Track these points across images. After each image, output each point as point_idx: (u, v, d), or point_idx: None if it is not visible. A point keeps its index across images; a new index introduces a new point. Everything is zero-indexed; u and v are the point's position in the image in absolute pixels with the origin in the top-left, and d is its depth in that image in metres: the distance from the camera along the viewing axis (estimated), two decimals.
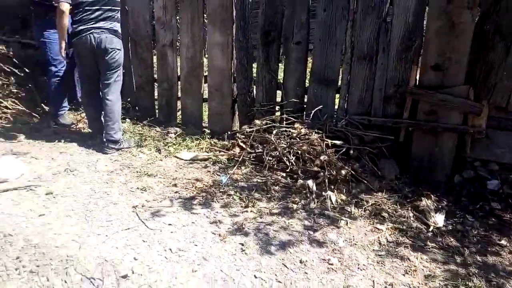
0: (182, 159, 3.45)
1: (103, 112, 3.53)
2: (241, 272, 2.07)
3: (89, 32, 3.28)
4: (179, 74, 4.15)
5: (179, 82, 4.19)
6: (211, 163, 3.39)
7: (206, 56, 4.04)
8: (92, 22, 3.29)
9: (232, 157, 3.42)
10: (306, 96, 3.59)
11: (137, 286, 1.95)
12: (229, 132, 3.81)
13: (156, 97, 4.41)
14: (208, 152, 3.56)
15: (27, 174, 3.04)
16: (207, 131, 3.79)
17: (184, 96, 4.16)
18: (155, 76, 4.33)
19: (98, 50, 3.33)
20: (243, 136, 3.51)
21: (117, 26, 3.42)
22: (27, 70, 4.68)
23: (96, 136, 3.72)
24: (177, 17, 4.03)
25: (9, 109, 4.09)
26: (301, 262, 2.17)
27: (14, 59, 4.67)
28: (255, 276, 2.05)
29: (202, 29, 3.88)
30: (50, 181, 2.96)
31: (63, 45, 3.37)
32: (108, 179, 3.04)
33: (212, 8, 3.74)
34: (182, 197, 2.81)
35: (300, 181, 2.96)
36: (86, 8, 3.27)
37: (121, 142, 3.55)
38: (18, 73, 4.57)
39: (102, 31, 3.32)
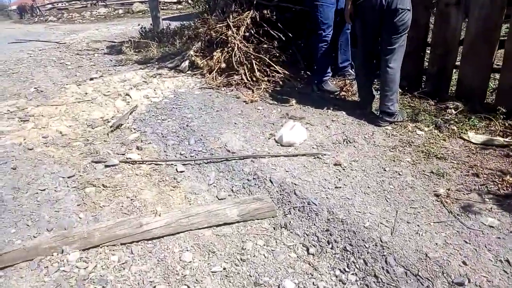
0: (471, 142, 2.90)
1: (378, 80, 3.26)
2: None
3: None
4: (462, 38, 3.49)
5: (459, 48, 3.55)
6: None
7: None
8: None
9: None
10: None
11: None
12: None
13: (425, 65, 3.89)
14: (504, 137, 2.90)
15: (308, 140, 3.08)
16: (502, 109, 3.09)
17: (465, 65, 3.50)
18: (429, 40, 3.79)
19: (387, 10, 3.01)
20: None
21: None
22: (290, 34, 4.87)
23: (365, 105, 3.52)
24: None
25: (278, 73, 4.30)
26: None
27: (279, 24, 4.92)
28: None
29: None
30: (333, 150, 2.92)
31: (349, 7, 3.19)
32: (393, 156, 2.78)
33: None
34: (492, 192, 2.32)
35: None
36: None
37: (396, 115, 3.25)
38: (281, 37, 4.79)
39: None
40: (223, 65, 4.56)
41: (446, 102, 3.44)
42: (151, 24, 8.23)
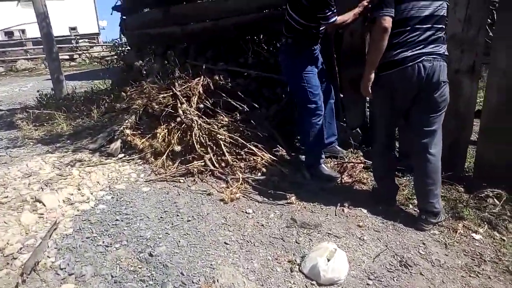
0: None
1: (419, 171, 2.50)
2: None
3: (418, 60, 2.29)
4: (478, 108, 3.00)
5: (475, 121, 3.04)
6: None
7: None
8: (421, 46, 2.30)
9: None
10: None
11: None
12: None
13: None
14: None
15: (352, 268, 2.10)
16: None
17: (486, 141, 2.98)
18: None
19: (427, 84, 2.32)
20: None
21: (446, 50, 2.39)
22: (256, 104, 3.99)
23: (389, 200, 2.72)
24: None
25: (255, 154, 3.32)
26: None
27: (239, 93, 4.03)
28: None
29: None
30: (397, 285, 1.98)
31: (371, 77, 2.43)
32: (480, 286, 1.95)
33: None
34: None
35: None
36: (416, 26, 2.29)
37: (440, 214, 2.49)
38: (245, 108, 3.88)
39: (435, 57, 2.31)
40: (177, 147, 3.42)
41: (482, 190, 2.81)
42: (52, 89, 6.66)
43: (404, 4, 2.27)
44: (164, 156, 3.48)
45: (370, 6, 2.92)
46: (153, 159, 3.58)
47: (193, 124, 3.41)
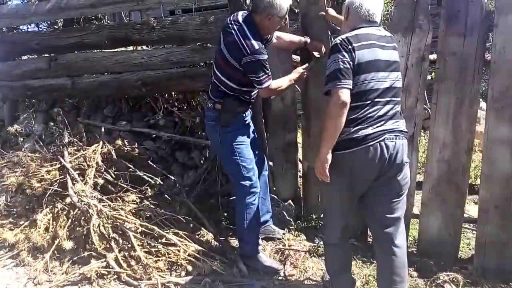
0: None
1: (384, 266, 2.11)
2: None
3: (381, 138, 1.95)
4: (419, 180, 2.82)
5: (415, 193, 2.85)
6: None
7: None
8: (382, 122, 1.99)
9: None
10: None
11: None
12: None
13: None
14: None
15: None
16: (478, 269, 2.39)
17: (428, 213, 2.79)
18: None
19: (390, 166, 1.99)
20: None
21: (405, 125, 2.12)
22: (168, 175, 3.33)
23: None
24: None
25: (175, 245, 2.62)
26: None
27: (150, 161, 3.34)
28: None
29: (472, 119, 2.62)
30: None
31: (329, 157, 2.01)
32: None
33: (501, 90, 2.50)
34: None
35: None
36: (376, 100, 1.97)
37: None
38: (158, 181, 3.20)
39: (397, 135, 2.01)
40: (67, 243, 2.54)
41: (438, 273, 2.54)
42: None
43: (364, 74, 1.95)
44: (48, 255, 2.56)
45: (306, 73, 2.61)
46: (31, 259, 2.61)
47: (91, 211, 2.59)
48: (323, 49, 2.72)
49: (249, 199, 2.55)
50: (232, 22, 2.42)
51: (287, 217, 3.13)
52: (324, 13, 2.81)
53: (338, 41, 1.97)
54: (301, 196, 3.26)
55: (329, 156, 2.01)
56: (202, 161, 3.66)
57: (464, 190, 2.71)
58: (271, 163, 3.25)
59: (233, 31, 2.38)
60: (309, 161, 3.14)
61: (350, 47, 1.93)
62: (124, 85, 3.61)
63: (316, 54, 2.77)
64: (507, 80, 2.47)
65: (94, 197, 2.74)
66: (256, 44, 2.31)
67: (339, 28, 2.64)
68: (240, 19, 2.41)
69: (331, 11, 2.78)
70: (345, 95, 1.90)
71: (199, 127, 3.67)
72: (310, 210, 3.19)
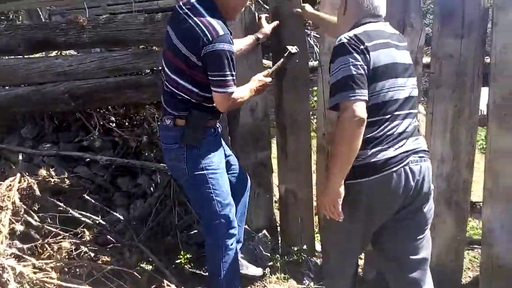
0: None
1: None
2: None
3: (405, 162, 1.53)
4: None
5: None
6: None
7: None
8: (404, 141, 1.56)
9: None
10: None
11: None
12: None
13: None
14: None
15: None
16: None
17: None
18: None
19: (415, 195, 1.58)
20: None
21: None
22: (115, 212, 2.66)
23: None
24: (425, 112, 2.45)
25: None
26: None
27: (86, 195, 2.64)
28: None
29: (473, 130, 2.33)
30: None
31: (341, 190, 1.53)
32: None
33: (503, 95, 2.23)
34: None
35: None
36: (396, 113, 1.54)
37: None
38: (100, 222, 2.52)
39: (421, 156, 1.60)
40: None
41: None
42: None
43: (381, 82, 1.52)
44: None
45: (266, 81, 2.11)
46: None
47: (6, 276, 1.85)
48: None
49: (225, 242, 2.00)
50: (183, 7, 1.83)
51: (264, 252, 2.62)
52: (300, 10, 2.35)
53: (345, 40, 1.51)
54: (278, 225, 2.77)
55: (342, 189, 1.53)
56: (152, 188, 3.03)
57: (466, 209, 2.41)
58: None
59: (185, 16, 1.79)
60: (286, 183, 2.67)
61: (362, 47, 1.49)
62: (47, 99, 2.87)
63: (290, 48, 2.27)
64: (510, 84, 2.20)
65: (11, 254, 1.99)
66: (220, 28, 1.74)
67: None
68: (193, 0, 1.83)
69: (308, 7, 2.33)
70: (361, 109, 1.45)
71: (146, 147, 3.05)
72: (290, 242, 2.71)
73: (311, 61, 2.80)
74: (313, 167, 2.64)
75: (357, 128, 1.45)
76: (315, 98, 3.16)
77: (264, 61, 2.58)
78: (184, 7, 1.82)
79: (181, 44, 1.80)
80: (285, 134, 2.60)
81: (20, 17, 4.64)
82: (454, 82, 2.28)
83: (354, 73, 1.46)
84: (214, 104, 1.91)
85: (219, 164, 2.01)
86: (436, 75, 2.31)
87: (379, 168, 1.52)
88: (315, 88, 3.07)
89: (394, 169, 1.52)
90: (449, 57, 2.27)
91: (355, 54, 1.48)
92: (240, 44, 2.23)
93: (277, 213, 2.86)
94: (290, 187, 2.65)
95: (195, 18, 1.76)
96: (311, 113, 2.91)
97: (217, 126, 2.10)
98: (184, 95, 1.89)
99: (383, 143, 1.53)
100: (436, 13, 2.28)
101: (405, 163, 1.53)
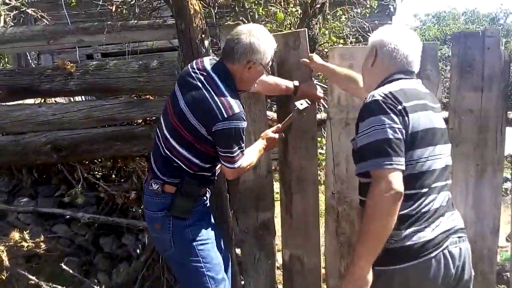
0: None
1: None
2: None
3: (444, 246, 1.29)
4: None
5: None
6: None
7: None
8: (440, 218, 1.33)
9: None
10: None
11: None
12: None
13: None
14: None
15: None
16: None
17: None
18: None
19: (454, 283, 1.33)
20: None
21: None
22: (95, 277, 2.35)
23: None
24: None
25: None
26: None
27: (64, 263, 2.33)
28: None
29: (497, 190, 2.13)
30: None
31: (369, 277, 1.27)
32: None
33: None
34: None
35: None
36: (433, 186, 1.32)
37: None
38: None
39: (460, 236, 1.36)
40: None
41: None
42: None
43: (420, 149, 1.30)
44: None
45: (275, 137, 1.92)
46: None
47: None
48: (320, 94, 2.08)
49: None
50: (197, 71, 1.69)
51: None
52: (307, 60, 2.17)
53: (380, 97, 1.31)
54: None
55: (370, 276, 1.27)
56: (138, 250, 2.73)
57: (492, 280, 2.16)
58: (238, 251, 2.46)
59: (199, 83, 1.65)
60: (290, 248, 2.39)
61: (400, 107, 1.28)
62: (27, 150, 2.62)
63: (299, 104, 2.05)
64: None
65: None
66: (236, 106, 1.62)
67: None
68: (208, 67, 1.69)
69: (317, 58, 2.16)
70: (398, 181, 1.23)
71: (134, 203, 2.77)
72: None
73: (319, 113, 2.58)
74: (321, 230, 2.38)
75: (393, 203, 1.22)
76: (323, 151, 2.94)
77: (268, 112, 2.37)
78: (198, 72, 1.68)
79: (191, 114, 1.64)
80: (290, 192, 2.35)
81: (6, 58, 4.44)
82: (476, 138, 2.10)
83: (391, 137, 1.25)
84: (208, 172, 1.76)
85: (209, 236, 1.79)
86: (455, 131, 2.12)
87: (416, 253, 1.27)
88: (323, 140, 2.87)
89: (433, 254, 1.27)
90: (469, 112, 2.09)
91: (392, 115, 1.27)
92: (277, 80, 2.10)
93: (279, 280, 2.57)
94: (296, 253, 2.37)
95: (211, 90, 1.63)
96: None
97: (207, 195, 1.91)
98: (182, 164, 1.70)
99: (419, 222, 1.29)
100: (453, 65, 2.13)
101: (444, 246, 1.29)
